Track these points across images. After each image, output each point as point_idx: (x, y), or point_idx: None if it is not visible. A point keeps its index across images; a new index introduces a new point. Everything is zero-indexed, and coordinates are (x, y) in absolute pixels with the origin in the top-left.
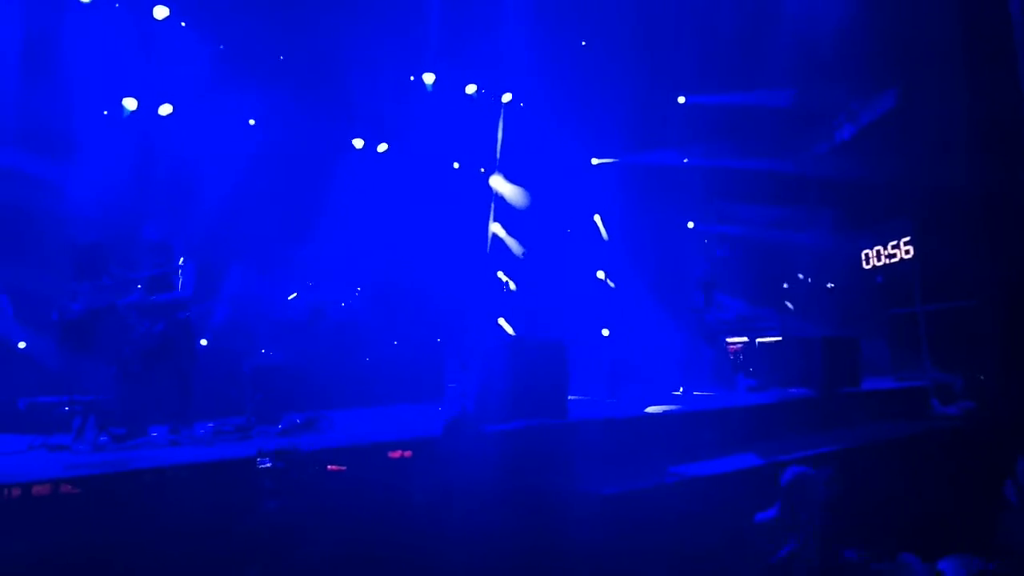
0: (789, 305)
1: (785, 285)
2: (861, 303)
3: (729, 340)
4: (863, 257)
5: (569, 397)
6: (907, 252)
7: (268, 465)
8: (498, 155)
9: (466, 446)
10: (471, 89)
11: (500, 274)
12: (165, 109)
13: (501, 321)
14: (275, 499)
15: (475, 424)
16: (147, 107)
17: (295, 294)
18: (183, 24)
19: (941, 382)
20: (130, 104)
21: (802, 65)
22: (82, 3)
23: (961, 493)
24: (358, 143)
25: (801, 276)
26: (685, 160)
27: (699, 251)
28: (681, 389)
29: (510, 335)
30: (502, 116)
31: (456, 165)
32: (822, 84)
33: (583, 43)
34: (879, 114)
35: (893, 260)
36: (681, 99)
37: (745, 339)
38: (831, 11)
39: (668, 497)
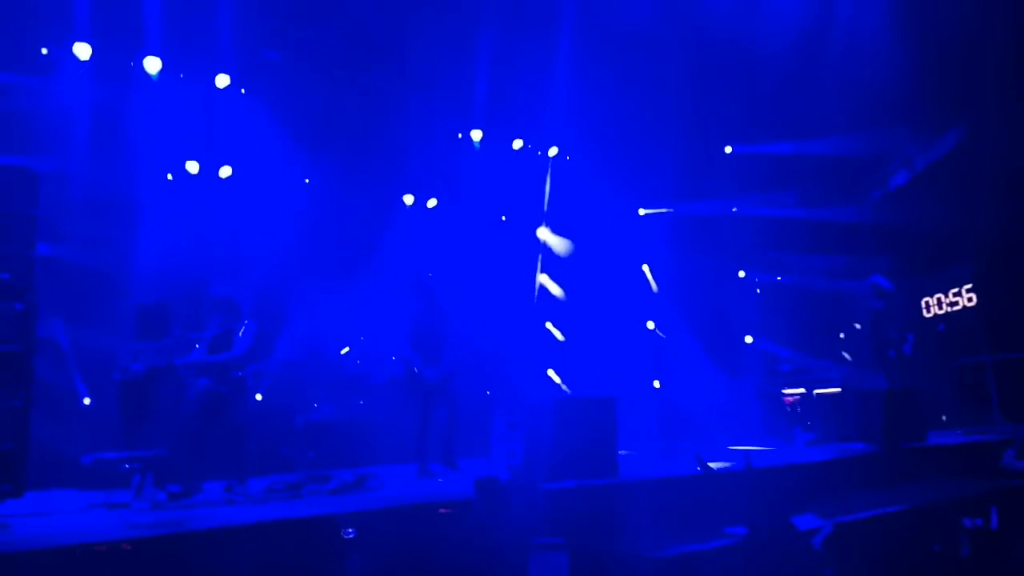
0: (847, 356)
1: (842, 335)
2: (924, 353)
3: (785, 392)
4: (923, 305)
5: (620, 452)
6: (969, 300)
7: (353, 536)
8: (546, 208)
9: (519, 505)
10: (518, 144)
11: (549, 325)
12: (225, 171)
13: (550, 372)
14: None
15: (529, 483)
16: (208, 170)
17: (347, 348)
18: (243, 91)
19: (1014, 435)
20: (192, 167)
21: (856, 110)
22: (151, 77)
23: None
24: (408, 199)
25: (858, 326)
26: (734, 209)
27: (751, 301)
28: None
29: (557, 391)
30: (549, 169)
31: (504, 219)
32: (878, 129)
33: (629, 95)
34: (937, 157)
35: (955, 308)
36: (728, 149)
37: (803, 390)
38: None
39: (725, 559)
